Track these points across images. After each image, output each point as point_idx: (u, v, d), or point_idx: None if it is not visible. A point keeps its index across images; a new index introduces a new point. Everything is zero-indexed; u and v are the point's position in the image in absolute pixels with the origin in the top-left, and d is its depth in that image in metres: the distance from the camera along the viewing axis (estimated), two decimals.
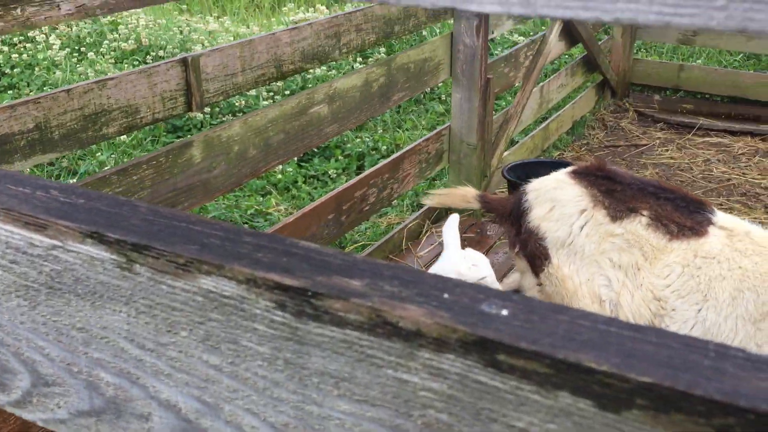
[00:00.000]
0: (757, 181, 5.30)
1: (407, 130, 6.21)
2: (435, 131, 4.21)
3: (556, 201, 2.33)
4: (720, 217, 2.31)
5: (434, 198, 2.75)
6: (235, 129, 2.67)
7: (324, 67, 6.97)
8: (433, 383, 0.44)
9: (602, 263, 2.23)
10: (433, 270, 2.50)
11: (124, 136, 5.55)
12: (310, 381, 0.50)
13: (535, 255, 2.37)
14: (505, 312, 0.44)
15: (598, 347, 0.40)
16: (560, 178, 2.40)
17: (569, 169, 2.45)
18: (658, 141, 6.10)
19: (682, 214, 2.25)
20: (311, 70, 6.54)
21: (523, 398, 0.41)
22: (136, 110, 2.24)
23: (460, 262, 2.43)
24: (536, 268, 2.40)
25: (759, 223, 4.62)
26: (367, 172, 3.65)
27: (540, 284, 2.40)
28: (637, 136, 6.26)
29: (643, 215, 2.25)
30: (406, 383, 0.45)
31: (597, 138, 6.24)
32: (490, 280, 2.43)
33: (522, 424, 0.41)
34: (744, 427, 0.36)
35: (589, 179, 2.34)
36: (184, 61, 2.37)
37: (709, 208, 2.33)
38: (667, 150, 5.91)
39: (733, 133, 6.09)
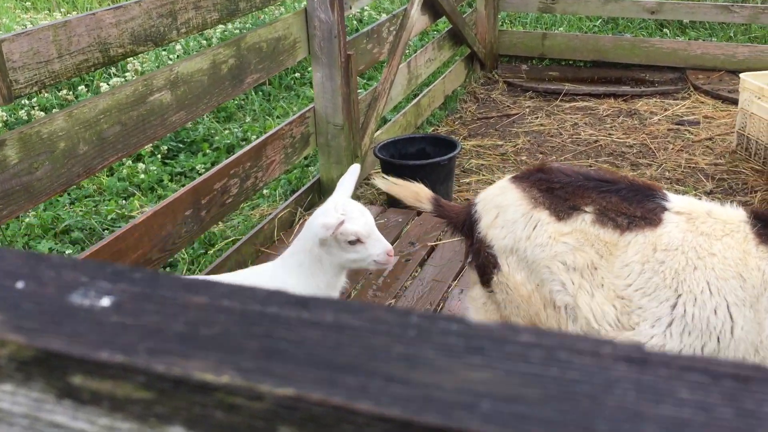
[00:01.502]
0: (621, 140, 5.43)
1: (278, 117, 5.98)
2: (298, 114, 4.02)
3: (500, 207, 2.18)
4: (674, 200, 2.13)
5: (386, 183, 2.50)
6: (58, 123, 2.39)
7: (164, 51, 6.61)
8: None
9: (554, 268, 2.08)
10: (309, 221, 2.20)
11: None
12: None
13: (485, 264, 2.21)
14: (106, 302, 0.26)
15: (229, 345, 0.24)
16: (503, 184, 2.25)
17: (511, 175, 2.31)
18: (528, 109, 6.16)
19: (630, 204, 2.08)
20: (145, 54, 6.16)
21: None
22: None
23: (329, 209, 2.17)
24: (486, 277, 2.24)
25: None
26: (225, 161, 3.41)
27: (491, 291, 2.24)
28: (508, 106, 6.30)
29: (587, 211, 2.10)
30: None
31: (470, 111, 6.23)
32: (362, 231, 2.14)
33: None
34: None
35: (529, 181, 2.19)
36: None
37: (659, 192, 2.16)
38: (537, 117, 5.97)
39: (597, 96, 6.22)
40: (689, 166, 4.92)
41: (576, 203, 2.12)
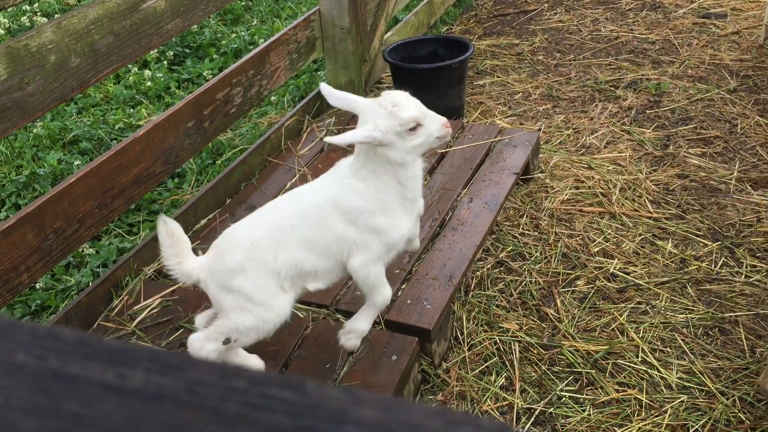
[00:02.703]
0: (644, 36, 5.19)
1: (286, 18, 5.79)
2: (303, 17, 3.86)
3: None
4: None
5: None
6: (47, 36, 2.30)
7: None
8: None
9: None
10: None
11: None
12: None
13: None
14: None
15: None
16: None
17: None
18: (546, 5, 5.88)
19: None
20: None
21: None
22: None
23: (375, 108, 2.04)
24: None
25: (645, 79, 4.54)
26: (228, 70, 3.31)
27: None
28: (526, 1, 6.02)
29: None
30: None
31: (485, 8, 5.97)
32: (418, 114, 2.02)
33: None
34: None
35: None
36: None
37: None
38: (556, 13, 5.71)
39: None
40: (713, 63, 4.71)
41: None
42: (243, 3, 6.03)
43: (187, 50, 5.28)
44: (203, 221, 3.12)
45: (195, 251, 2.81)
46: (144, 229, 3.40)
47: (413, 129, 2.03)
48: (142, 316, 2.59)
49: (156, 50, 5.07)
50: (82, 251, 3.27)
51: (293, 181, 3.39)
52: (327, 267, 2.11)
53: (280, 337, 2.44)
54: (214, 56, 5.16)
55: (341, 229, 2.07)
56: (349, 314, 2.54)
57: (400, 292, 2.64)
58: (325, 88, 2.18)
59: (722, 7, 5.53)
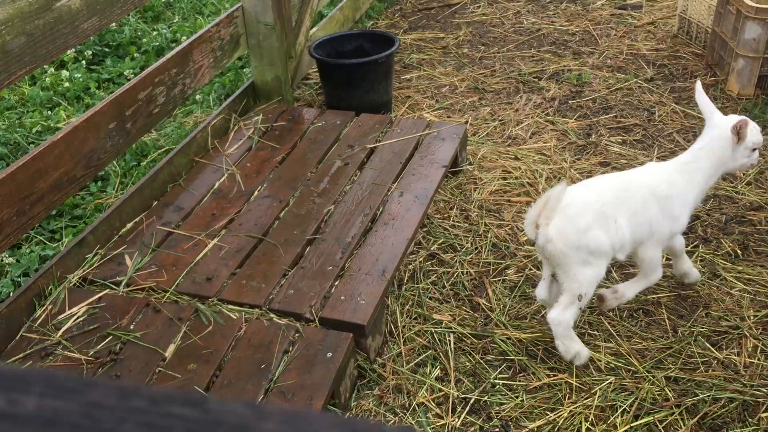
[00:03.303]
0: (564, 27, 5.32)
1: (209, 15, 5.68)
2: (226, 13, 3.79)
3: None
4: None
5: None
6: None
7: None
8: None
9: None
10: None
11: None
12: None
13: None
14: None
15: None
16: None
17: None
18: None
19: None
20: None
21: None
22: None
23: (752, 124, 2.59)
24: None
25: (567, 70, 4.65)
26: (150, 69, 3.22)
27: None
28: None
29: None
30: None
31: (410, 2, 6.00)
32: (761, 142, 2.64)
33: None
34: None
35: None
36: None
37: None
38: (479, 6, 5.79)
39: None
40: (631, 53, 4.87)
41: None
42: (163, 0, 5.89)
43: (107, 49, 5.12)
44: (129, 225, 3.04)
45: (121, 255, 2.74)
46: (67, 235, 3.29)
47: (753, 149, 2.58)
48: (68, 325, 2.51)
49: (73, 50, 4.90)
50: (2, 261, 3.15)
51: (221, 180, 3.34)
52: (636, 239, 2.50)
53: (213, 340, 2.41)
54: (135, 55, 5.02)
55: (654, 212, 2.49)
56: (282, 313, 2.53)
57: (333, 289, 2.64)
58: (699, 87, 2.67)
59: None
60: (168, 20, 5.63)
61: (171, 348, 2.39)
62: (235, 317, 2.51)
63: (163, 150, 3.86)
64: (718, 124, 2.57)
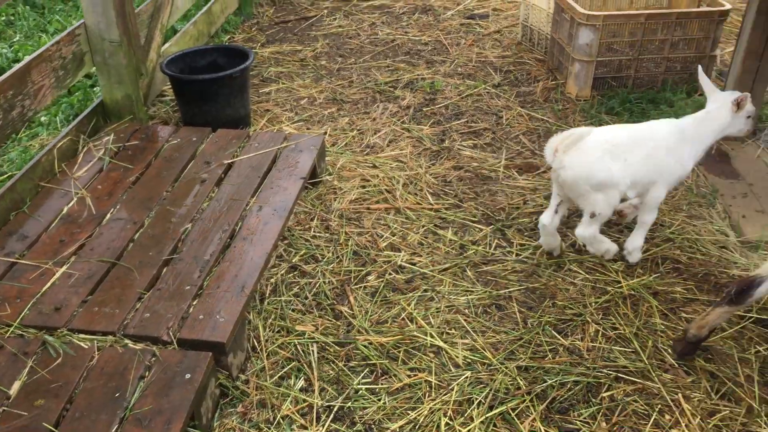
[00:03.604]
0: (417, 38, 5.49)
1: (53, 33, 5.44)
2: (66, 31, 3.65)
3: None
4: None
5: None
6: None
7: None
8: None
9: None
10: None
11: None
12: None
13: None
14: None
15: None
16: None
17: None
18: (326, 11, 6.04)
19: None
20: None
21: None
22: None
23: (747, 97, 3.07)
24: None
25: (421, 78, 4.81)
26: None
27: None
28: (306, 8, 6.14)
29: None
30: None
31: (267, 15, 6.01)
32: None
33: None
34: None
35: None
36: None
37: None
38: (335, 19, 5.87)
39: None
40: (480, 60, 5.10)
41: None
42: (3, 18, 5.58)
43: None
44: None
45: None
46: None
47: (749, 117, 3.08)
48: None
49: None
50: None
51: (70, 205, 3.20)
52: (646, 182, 2.98)
53: (63, 372, 2.31)
54: None
55: (664, 156, 2.98)
56: (138, 338, 2.46)
57: (191, 309, 2.60)
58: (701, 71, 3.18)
59: (485, 8, 6.00)
60: (9, 39, 5.33)
61: (16, 385, 2.27)
62: (86, 346, 2.42)
63: (5, 176, 3.66)
64: (719, 98, 3.10)
